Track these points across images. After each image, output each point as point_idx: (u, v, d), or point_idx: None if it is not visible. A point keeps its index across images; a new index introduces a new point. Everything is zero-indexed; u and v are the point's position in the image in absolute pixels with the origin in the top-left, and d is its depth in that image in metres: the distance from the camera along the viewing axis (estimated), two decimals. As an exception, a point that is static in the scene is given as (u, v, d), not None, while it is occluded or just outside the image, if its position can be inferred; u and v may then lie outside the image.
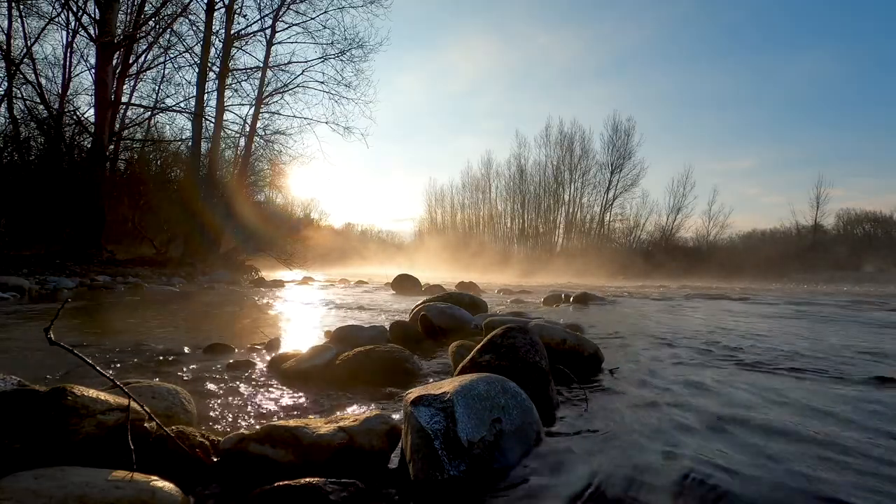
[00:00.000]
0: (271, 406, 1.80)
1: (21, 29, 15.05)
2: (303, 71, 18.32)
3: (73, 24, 15.80)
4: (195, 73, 16.41)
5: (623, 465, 1.27)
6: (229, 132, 18.46)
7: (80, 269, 10.37)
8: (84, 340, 3.05)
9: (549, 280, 24.66)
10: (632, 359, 2.84)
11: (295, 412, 1.75)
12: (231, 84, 17.30)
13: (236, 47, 17.29)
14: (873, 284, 23.63)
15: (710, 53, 69.85)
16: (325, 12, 17.73)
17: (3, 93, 14.66)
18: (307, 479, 1.06)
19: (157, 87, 19.52)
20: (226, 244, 16.74)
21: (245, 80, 17.86)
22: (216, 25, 16.30)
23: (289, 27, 18.02)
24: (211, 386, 2.04)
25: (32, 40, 15.13)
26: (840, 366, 2.67)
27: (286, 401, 1.88)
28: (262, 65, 17.66)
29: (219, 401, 1.83)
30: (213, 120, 16.39)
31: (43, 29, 15.29)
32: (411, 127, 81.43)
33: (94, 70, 13.63)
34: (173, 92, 22.06)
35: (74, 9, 13.71)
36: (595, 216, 43.35)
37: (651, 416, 1.71)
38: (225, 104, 16.75)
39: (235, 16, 16.64)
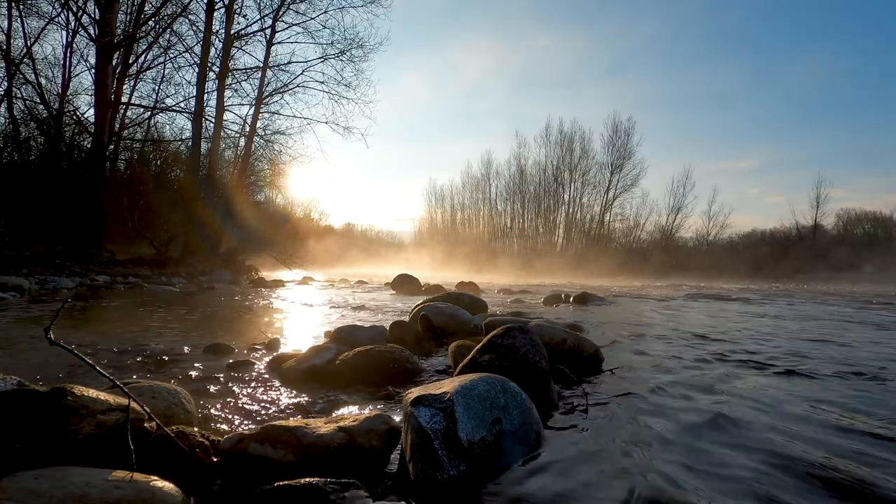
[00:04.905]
0: (271, 406, 1.80)
1: (21, 29, 15.03)
2: (303, 71, 18.33)
3: (73, 24, 15.79)
4: (195, 73, 16.41)
5: (623, 466, 1.27)
6: (229, 132, 18.47)
7: (79, 269, 10.37)
8: (84, 340, 3.05)
9: (549, 280, 24.65)
10: (632, 359, 2.84)
11: (295, 412, 1.75)
12: (231, 84, 17.31)
13: (236, 47, 17.29)
14: (873, 284, 23.61)
15: (710, 53, 69.81)
16: (325, 12, 17.73)
17: (3, 93, 14.64)
18: (307, 479, 1.06)
19: (157, 87, 19.52)
20: (226, 244, 16.72)
21: (245, 80, 17.87)
22: (216, 25, 16.30)
23: (289, 27, 18.03)
24: (211, 386, 2.04)
25: (32, 40, 15.11)
26: (843, 366, 2.67)
27: (286, 401, 1.88)
28: (262, 65, 17.66)
29: (219, 401, 1.83)
30: (213, 120, 16.39)
31: (43, 29, 15.27)
32: (412, 127, 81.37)
33: (94, 70, 13.61)
34: (173, 92, 22.09)
35: (74, 9, 13.70)
36: (595, 216, 43.32)
37: (650, 415, 1.71)
38: (225, 104, 16.75)
39: (235, 16, 16.63)
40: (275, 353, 2.61)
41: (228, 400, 1.85)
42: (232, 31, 16.66)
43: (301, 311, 5.82)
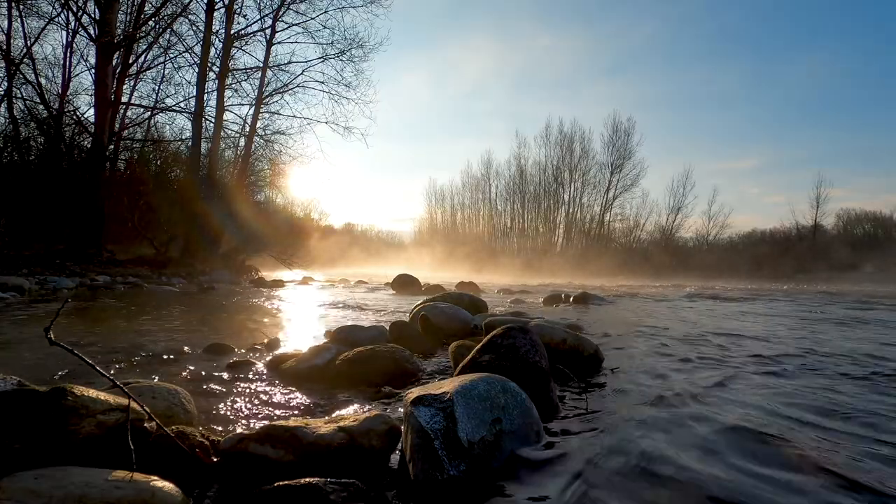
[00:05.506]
0: (271, 406, 1.80)
1: (21, 29, 15.03)
2: (303, 71, 18.32)
3: (73, 24, 15.79)
4: (195, 73, 16.39)
5: (622, 466, 1.27)
6: (229, 132, 18.45)
7: (79, 269, 10.36)
8: (84, 340, 3.05)
9: (549, 280, 24.65)
10: (631, 358, 2.84)
11: (295, 412, 1.75)
12: (231, 84, 17.29)
13: (236, 47, 17.28)
14: (873, 284, 23.61)
15: (710, 53, 69.71)
16: (325, 12, 17.71)
17: (3, 93, 14.64)
18: (307, 479, 1.06)
19: (157, 87, 19.52)
20: (226, 244, 16.72)
21: (245, 80, 17.86)
22: (216, 25, 16.28)
23: (289, 27, 18.01)
24: (211, 386, 2.04)
25: (32, 40, 15.10)
26: (838, 365, 2.67)
27: (286, 401, 1.88)
28: (262, 65, 17.64)
29: (219, 401, 1.83)
30: (213, 120, 16.37)
31: (43, 29, 15.27)
32: (412, 127, 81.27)
33: (94, 70, 13.60)
34: (173, 92, 22.09)
35: (74, 9, 13.70)
36: (595, 216, 43.31)
37: (650, 415, 1.71)
38: (225, 104, 16.73)
39: (235, 16, 16.62)
40: (275, 353, 2.61)
41: (228, 400, 1.85)
42: (232, 31, 16.66)
43: (301, 311, 5.82)
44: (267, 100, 18.08)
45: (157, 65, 18.56)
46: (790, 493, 1.14)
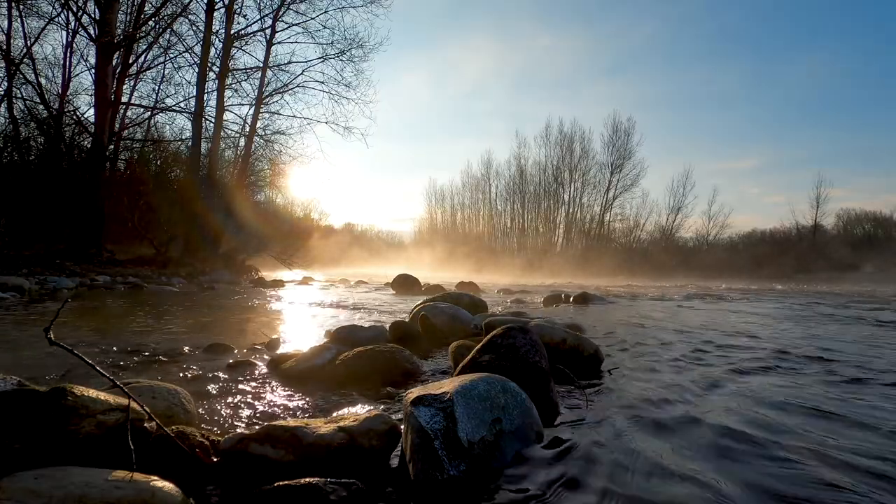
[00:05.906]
0: (271, 406, 1.80)
1: (21, 29, 15.07)
2: (303, 71, 18.34)
3: (73, 24, 15.83)
4: (195, 73, 16.42)
5: (622, 466, 1.27)
6: (229, 132, 18.47)
7: (79, 269, 10.36)
8: (84, 340, 3.05)
9: (549, 280, 24.66)
10: (631, 358, 2.84)
11: (295, 412, 1.75)
12: (231, 84, 17.31)
13: (236, 47, 17.29)
14: (873, 284, 23.61)
15: (710, 53, 69.75)
16: (325, 12, 17.74)
17: (3, 93, 14.66)
18: (307, 479, 1.06)
19: (157, 87, 19.56)
20: (226, 244, 16.73)
21: (245, 80, 17.88)
22: (216, 25, 16.30)
23: (289, 27, 18.03)
24: (211, 386, 2.04)
25: (32, 40, 15.14)
26: (834, 364, 2.67)
27: (286, 401, 1.88)
28: (262, 65, 17.66)
29: (219, 401, 1.83)
30: (213, 120, 16.39)
31: (43, 29, 15.30)
32: (412, 127, 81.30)
33: (94, 70, 13.62)
34: (173, 92, 22.14)
35: (74, 9, 13.72)
36: (595, 216, 43.33)
37: (650, 416, 1.71)
38: (225, 104, 16.75)
39: (235, 16, 16.63)
40: (275, 353, 2.61)
41: (228, 400, 1.85)
42: (232, 31, 16.67)
43: (301, 311, 5.82)
44: (267, 100, 18.11)
45: (157, 65, 18.62)
46: (789, 493, 1.14)
